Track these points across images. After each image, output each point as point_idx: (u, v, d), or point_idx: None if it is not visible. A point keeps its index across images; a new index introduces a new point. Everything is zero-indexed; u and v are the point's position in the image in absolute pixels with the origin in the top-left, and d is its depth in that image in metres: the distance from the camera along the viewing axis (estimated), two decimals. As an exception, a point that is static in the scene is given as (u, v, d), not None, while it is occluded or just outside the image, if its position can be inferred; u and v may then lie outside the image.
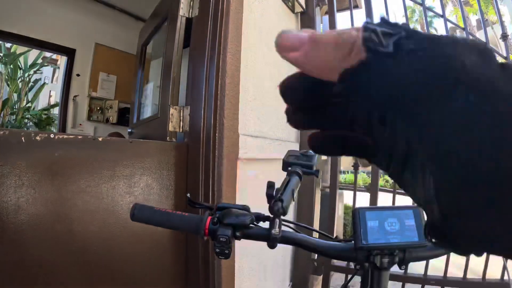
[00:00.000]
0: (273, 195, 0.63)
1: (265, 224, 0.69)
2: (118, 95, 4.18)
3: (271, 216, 0.66)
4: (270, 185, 0.66)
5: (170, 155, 1.42)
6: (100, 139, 1.21)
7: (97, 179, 1.20)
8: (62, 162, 1.09)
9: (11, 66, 4.56)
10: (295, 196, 0.66)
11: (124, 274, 1.29)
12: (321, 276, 2.30)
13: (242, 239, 0.69)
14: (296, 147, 2.22)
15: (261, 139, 1.72)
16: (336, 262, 2.33)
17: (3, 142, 0.94)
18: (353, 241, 0.71)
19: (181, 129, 1.53)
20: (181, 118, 1.54)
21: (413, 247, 0.68)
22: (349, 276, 2.30)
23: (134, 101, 2.53)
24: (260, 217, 0.71)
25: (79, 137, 1.16)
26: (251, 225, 0.68)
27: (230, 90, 1.49)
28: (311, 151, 0.79)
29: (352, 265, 2.31)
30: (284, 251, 2.21)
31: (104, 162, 1.22)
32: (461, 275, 2.17)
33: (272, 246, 0.67)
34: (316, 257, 2.30)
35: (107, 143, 1.24)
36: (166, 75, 1.73)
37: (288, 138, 2.18)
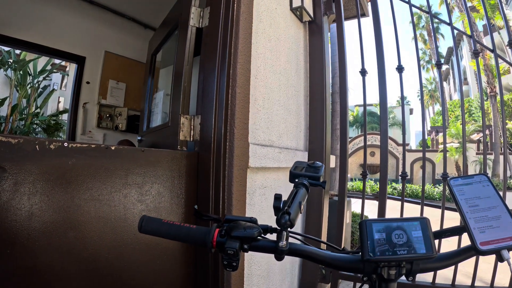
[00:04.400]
0: (280, 208, 0.65)
1: (273, 236, 0.70)
2: (128, 103, 4.23)
3: (279, 228, 0.67)
4: (277, 197, 0.68)
5: (181, 163, 1.44)
6: (113, 148, 1.24)
7: (110, 187, 1.23)
8: (75, 170, 1.12)
9: (21, 72, 4.63)
10: (302, 208, 0.68)
11: (134, 281, 1.31)
12: (329, 284, 2.30)
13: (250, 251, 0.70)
14: (305, 156, 2.23)
15: (270, 148, 1.73)
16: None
17: (18, 150, 0.97)
18: (360, 253, 0.72)
19: (191, 138, 1.55)
20: (192, 127, 1.56)
21: (420, 258, 0.69)
22: (357, 285, 2.29)
23: (144, 109, 2.56)
24: (267, 229, 0.71)
25: (93, 145, 1.18)
26: (258, 237, 0.69)
27: (240, 99, 1.51)
28: (318, 162, 0.80)
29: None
30: (293, 259, 2.21)
31: (116, 171, 1.24)
32: (469, 283, 2.16)
33: (279, 258, 0.67)
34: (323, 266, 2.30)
35: (120, 152, 1.26)
36: (176, 84, 1.76)
37: (297, 147, 2.19)
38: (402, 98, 2.56)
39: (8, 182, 0.95)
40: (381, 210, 2.25)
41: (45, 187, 1.04)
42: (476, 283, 2.13)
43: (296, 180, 0.75)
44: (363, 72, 2.51)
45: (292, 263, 2.21)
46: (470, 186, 0.74)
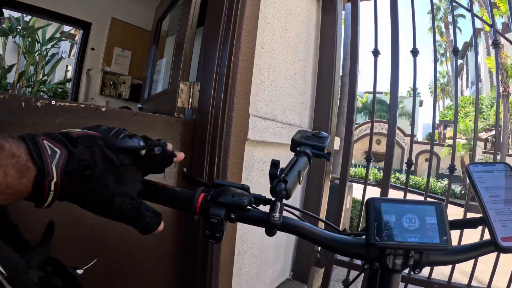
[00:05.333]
0: (277, 175, 0.57)
1: (266, 209, 0.62)
2: (132, 71, 4.13)
3: (272, 198, 0.58)
4: (274, 163, 0.59)
5: (176, 131, 1.37)
6: (103, 109, 1.16)
7: None
8: (62, 129, 1.04)
9: (29, 39, 4.56)
10: (301, 179, 0.59)
11: (120, 251, 1.26)
12: (323, 268, 2.25)
13: (237, 222, 0.61)
14: (307, 134, 2.15)
15: (272, 122, 1.65)
16: (340, 256, 2.27)
17: (3, 106, 0.89)
18: (363, 236, 0.64)
19: (190, 105, 1.47)
20: (191, 94, 1.48)
21: (433, 249, 0.60)
22: (352, 273, 2.23)
23: (146, 77, 2.48)
24: (260, 200, 0.62)
25: (81, 105, 1.10)
26: (248, 207, 0.60)
27: (242, 68, 1.43)
28: (324, 132, 0.72)
29: (357, 261, 2.26)
30: (288, 240, 2.16)
31: None
32: (465, 281, 2.10)
33: (270, 233, 0.59)
34: (319, 249, 2.25)
35: (111, 113, 1.18)
36: (178, 50, 1.67)
37: (301, 124, 2.11)
38: (415, 82, 2.45)
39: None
40: (384, 195, 2.18)
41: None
42: (473, 283, 2.05)
43: (298, 149, 0.65)
44: (376, 53, 2.40)
45: (287, 244, 2.17)
46: (491, 174, 0.65)
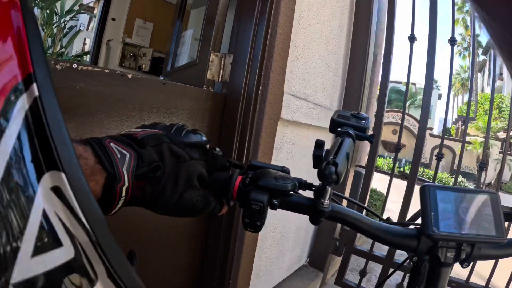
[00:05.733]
0: (322, 157, 0.48)
1: (306, 195, 0.53)
2: (153, 44, 4.01)
3: (320, 183, 0.50)
4: (319, 143, 0.50)
5: (205, 104, 1.29)
6: (129, 76, 1.07)
7: (122, 121, 1.08)
8: (83, 97, 0.94)
9: (47, 11, 4.49)
10: (350, 162, 0.51)
11: (147, 230, 1.20)
12: (341, 257, 2.19)
13: (278, 209, 0.53)
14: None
15: (304, 101, 1.56)
16: (359, 245, 2.21)
17: None
18: (414, 227, 0.57)
19: (220, 78, 1.39)
20: (222, 66, 1.39)
21: (489, 242, 0.54)
22: (370, 264, 2.16)
23: (169, 49, 2.39)
24: (302, 184, 0.54)
25: (106, 70, 1.01)
26: (291, 192, 0.52)
27: (280, 41, 1.33)
28: (363, 113, 0.63)
29: (376, 250, 2.20)
30: (308, 226, 2.10)
31: (131, 102, 1.07)
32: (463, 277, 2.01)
33: (317, 221, 0.52)
34: (338, 237, 2.18)
35: (138, 81, 1.09)
36: (209, 20, 1.57)
37: (330, 107, 2.01)
38: (451, 74, 2.32)
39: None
40: (409, 190, 2.09)
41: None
42: (472, 279, 1.97)
43: (339, 129, 0.57)
44: (412, 38, 2.27)
45: (306, 230, 2.10)
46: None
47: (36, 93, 0.26)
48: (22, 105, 0.26)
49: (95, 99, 0.98)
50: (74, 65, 0.91)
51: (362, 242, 2.97)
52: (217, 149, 0.53)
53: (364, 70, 2.16)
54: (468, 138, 14.44)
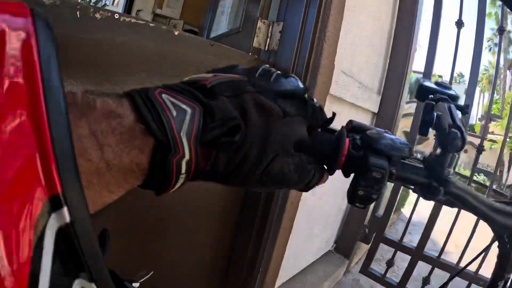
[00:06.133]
0: (434, 121, 0.40)
1: None
2: (184, 16, 3.92)
3: (438, 150, 0.42)
4: (430, 105, 0.42)
5: (252, 72, 1.22)
6: (176, 32, 0.98)
7: (167, 81, 1.00)
8: (124, 51, 0.85)
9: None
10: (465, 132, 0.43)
11: (179, 199, 1.15)
12: (369, 246, 2.13)
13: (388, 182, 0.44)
14: (378, 100, 1.96)
15: (351, 79, 1.48)
16: (389, 235, 2.14)
17: (54, 15, 0.73)
18: None
19: (267, 47, 1.31)
20: (269, 34, 1.31)
21: None
22: (399, 255, 2.08)
23: (206, 20, 2.32)
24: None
25: (151, 24, 0.90)
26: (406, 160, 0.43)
27: (334, 11, 1.24)
28: (445, 82, 0.54)
29: (406, 243, 2.12)
30: (338, 209, 2.03)
31: (177, 62, 0.98)
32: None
33: (434, 195, 0.42)
34: (369, 224, 2.11)
35: (184, 39, 1.00)
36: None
37: (372, 88, 1.91)
38: (497, 65, 2.18)
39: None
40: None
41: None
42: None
43: (431, 96, 0.48)
44: (460, 24, 2.13)
45: (337, 214, 2.04)
46: None
47: (67, 219, 0.19)
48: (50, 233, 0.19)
49: (137, 55, 0.89)
50: (116, 15, 0.83)
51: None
52: (315, 99, 0.38)
53: (408, 52, 2.05)
54: (493, 137, 14.01)
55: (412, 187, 0.45)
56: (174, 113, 0.27)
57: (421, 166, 0.43)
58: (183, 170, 0.28)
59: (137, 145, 0.26)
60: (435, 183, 0.41)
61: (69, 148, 0.19)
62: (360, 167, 0.38)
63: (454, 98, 0.49)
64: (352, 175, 0.41)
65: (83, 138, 0.23)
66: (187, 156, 0.28)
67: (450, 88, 0.52)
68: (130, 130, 0.25)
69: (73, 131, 0.20)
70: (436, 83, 0.52)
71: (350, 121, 0.45)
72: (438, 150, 0.41)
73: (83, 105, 0.24)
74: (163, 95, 0.28)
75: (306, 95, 0.37)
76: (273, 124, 0.32)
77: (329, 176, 0.41)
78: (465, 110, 0.49)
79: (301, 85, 0.37)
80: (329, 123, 0.41)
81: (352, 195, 0.39)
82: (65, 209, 0.19)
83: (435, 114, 0.42)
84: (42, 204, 0.18)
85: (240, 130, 0.30)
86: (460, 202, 0.45)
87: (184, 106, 0.28)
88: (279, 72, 0.36)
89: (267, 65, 0.36)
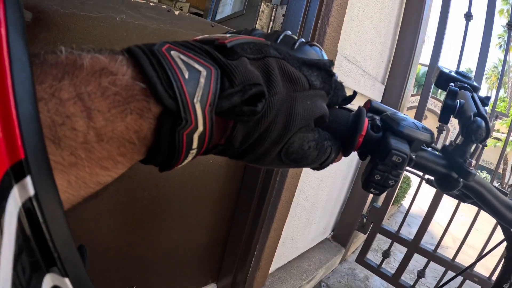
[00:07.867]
0: (456, 108, 0.38)
1: None
2: (191, -2, 3.90)
3: (460, 139, 0.39)
4: (453, 91, 0.40)
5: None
6: (176, 12, 0.98)
7: None
8: (123, 30, 0.86)
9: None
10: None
11: (182, 175, 1.16)
12: (366, 235, 2.13)
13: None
14: (381, 89, 1.94)
15: (354, 66, 1.46)
16: (386, 225, 2.14)
17: None
18: None
19: (269, 30, 1.30)
20: (272, 17, 1.30)
21: None
22: (396, 246, 2.09)
23: (211, 3, 2.29)
24: None
25: (151, 3, 0.90)
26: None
27: (339, -5, 1.22)
28: (464, 71, 0.52)
29: (403, 235, 2.12)
30: (337, 198, 2.04)
31: None
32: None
33: (452, 187, 0.40)
34: (366, 213, 2.12)
35: (185, 19, 1.00)
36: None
37: (376, 76, 1.89)
38: (505, 60, 2.14)
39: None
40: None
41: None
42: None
43: (452, 84, 0.46)
44: (468, 16, 2.09)
45: (335, 202, 2.04)
46: None
47: (32, 192, 0.16)
48: (12, 210, 0.15)
49: (136, 34, 0.89)
50: (116, -8, 0.83)
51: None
52: (336, 74, 0.34)
53: (415, 43, 2.02)
54: (498, 135, 13.89)
55: (426, 178, 0.43)
56: (186, 74, 0.22)
57: (440, 155, 0.41)
58: (195, 144, 0.24)
59: (134, 108, 0.21)
60: (454, 174, 0.39)
61: (33, 108, 0.16)
62: (378, 149, 0.36)
63: (476, 88, 0.47)
64: (368, 158, 0.38)
65: (66, 102, 0.18)
66: (200, 128, 0.23)
67: (470, 78, 0.50)
68: (127, 90, 0.20)
69: (53, 95, 0.18)
70: (457, 72, 0.50)
71: (369, 101, 0.42)
72: (460, 139, 0.39)
73: (68, 64, 0.19)
74: (172, 52, 0.23)
75: (332, 68, 0.33)
76: (298, 95, 0.28)
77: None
78: (485, 102, 0.47)
79: (325, 56, 0.33)
80: (348, 102, 0.38)
81: (367, 179, 0.36)
82: (28, 179, 0.16)
83: (458, 101, 0.40)
84: (4, 173, 0.15)
85: (264, 98, 0.26)
86: (480, 199, 0.43)
87: (197, 66, 0.23)
88: (303, 40, 0.32)
89: (289, 31, 0.33)
